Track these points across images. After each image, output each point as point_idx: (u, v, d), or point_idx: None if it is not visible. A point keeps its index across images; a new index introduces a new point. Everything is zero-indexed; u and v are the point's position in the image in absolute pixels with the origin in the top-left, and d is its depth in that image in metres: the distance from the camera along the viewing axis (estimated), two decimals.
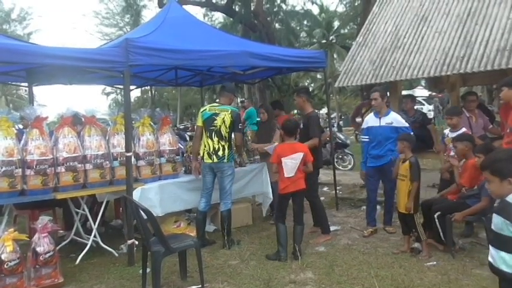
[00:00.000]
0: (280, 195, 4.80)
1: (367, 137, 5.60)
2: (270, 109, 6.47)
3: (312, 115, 5.52)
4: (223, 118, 5.13)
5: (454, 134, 5.30)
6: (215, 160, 5.14)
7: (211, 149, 5.14)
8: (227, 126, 5.15)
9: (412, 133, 5.19)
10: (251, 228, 5.92)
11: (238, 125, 5.24)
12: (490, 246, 2.40)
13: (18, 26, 35.94)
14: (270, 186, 6.11)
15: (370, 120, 5.53)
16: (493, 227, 2.34)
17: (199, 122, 5.29)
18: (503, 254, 2.27)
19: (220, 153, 5.12)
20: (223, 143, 5.14)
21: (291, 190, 4.69)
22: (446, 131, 5.58)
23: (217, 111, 5.18)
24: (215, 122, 5.13)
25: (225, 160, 5.13)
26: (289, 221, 4.85)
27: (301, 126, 5.48)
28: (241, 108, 9.13)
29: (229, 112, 5.16)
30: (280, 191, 4.75)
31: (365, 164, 5.66)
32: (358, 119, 9.01)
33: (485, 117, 6.18)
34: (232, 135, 5.34)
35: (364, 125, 5.73)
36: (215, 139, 5.14)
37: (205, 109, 5.27)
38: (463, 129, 5.33)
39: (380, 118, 5.37)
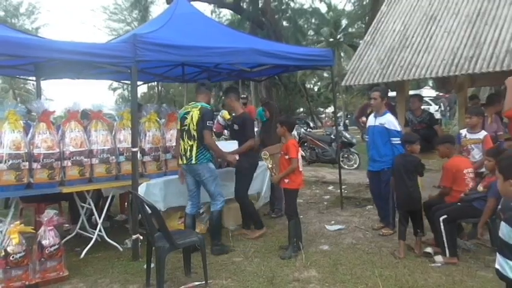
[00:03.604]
0: (295, 190, 4.86)
1: (367, 136, 5.71)
2: (272, 107, 6.47)
3: (246, 116, 5.50)
4: (191, 115, 4.82)
5: (474, 136, 5.18)
6: (184, 162, 4.86)
7: (183, 150, 4.88)
8: (195, 124, 4.77)
9: (401, 139, 5.12)
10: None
11: (207, 122, 4.76)
12: (497, 254, 2.37)
13: (26, 20, 36.11)
14: (269, 185, 6.22)
15: (370, 119, 5.66)
16: (500, 234, 2.30)
17: (178, 125, 5.05)
18: (511, 263, 2.25)
19: (188, 154, 4.81)
20: (191, 143, 4.80)
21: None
22: (463, 131, 5.40)
23: (189, 109, 4.91)
24: (186, 120, 4.85)
25: (193, 161, 4.76)
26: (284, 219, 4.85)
27: (235, 127, 5.55)
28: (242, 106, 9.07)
29: (198, 108, 4.83)
30: (297, 186, 4.83)
31: None
32: (363, 119, 9.01)
33: (499, 123, 6.07)
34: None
35: (367, 125, 5.80)
36: (185, 139, 4.84)
37: (182, 109, 5.08)
38: (484, 133, 5.21)
39: (376, 118, 5.41)
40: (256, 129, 7.19)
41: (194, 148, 4.78)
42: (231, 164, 5.25)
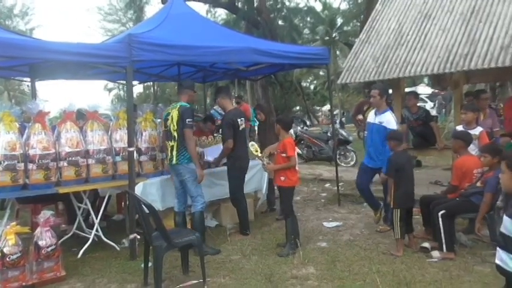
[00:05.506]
0: (291, 188, 4.86)
1: (367, 132, 5.67)
2: (265, 108, 6.47)
3: (224, 117, 5.45)
4: (172, 116, 4.81)
5: (470, 132, 5.20)
6: (168, 162, 4.99)
7: (168, 151, 4.94)
8: (175, 124, 4.77)
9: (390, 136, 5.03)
10: (253, 223, 5.90)
11: (186, 120, 4.70)
12: (499, 248, 2.35)
13: (20, 22, 35.92)
14: (267, 183, 6.22)
15: (370, 116, 5.61)
16: (503, 230, 2.29)
17: (163, 126, 5.12)
18: None
19: (169, 154, 4.87)
20: (172, 143, 4.82)
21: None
22: (459, 128, 5.43)
23: (169, 111, 4.92)
24: (167, 122, 4.88)
25: (174, 161, 4.80)
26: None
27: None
28: (237, 105, 9.07)
29: (177, 108, 4.81)
30: (293, 184, 4.83)
31: None
32: (360, 116, 9.02)
33: (495, 119, 6.10)
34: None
35: (367, 120, 5.77)
36: (168, 140, 4.90)
37: (164, 112, 5.12)
38: (479, 129, 5.24)
39: (376, 115, 5.38)
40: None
41: (175, 149, 4.81)
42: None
